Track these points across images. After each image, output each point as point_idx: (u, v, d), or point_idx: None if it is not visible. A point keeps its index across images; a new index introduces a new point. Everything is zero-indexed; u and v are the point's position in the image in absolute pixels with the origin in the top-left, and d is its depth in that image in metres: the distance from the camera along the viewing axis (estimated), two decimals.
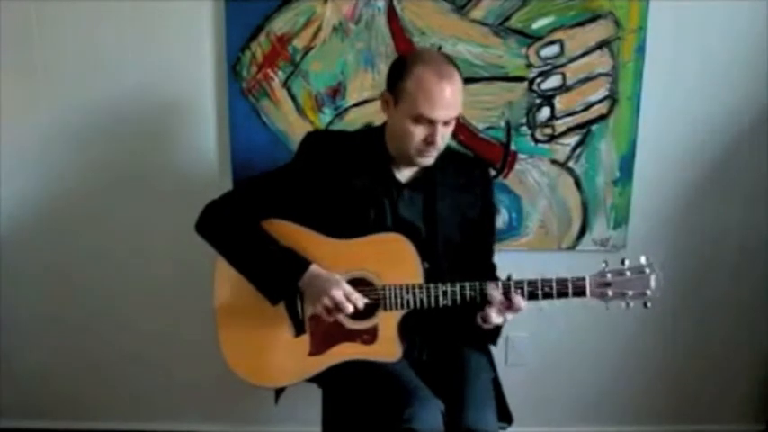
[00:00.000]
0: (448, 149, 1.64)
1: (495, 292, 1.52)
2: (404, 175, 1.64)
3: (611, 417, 2.26)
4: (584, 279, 1.53)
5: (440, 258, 1.62)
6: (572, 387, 2.24)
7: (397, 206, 1.62)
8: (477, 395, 1.56)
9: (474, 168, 1.73)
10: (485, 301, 1.53)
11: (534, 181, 2.05)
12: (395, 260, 1.57)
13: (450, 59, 1.56)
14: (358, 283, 1.55)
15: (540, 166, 2.04)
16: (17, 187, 2.08)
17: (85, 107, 2.01)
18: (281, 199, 1.62)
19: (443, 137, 1.54)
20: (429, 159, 1.57)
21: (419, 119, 1.50)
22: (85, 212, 2.09)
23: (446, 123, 1.53)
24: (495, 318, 1.53)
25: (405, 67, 1.53)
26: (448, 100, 1.49)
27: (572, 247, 2.09)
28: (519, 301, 1.51)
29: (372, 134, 1.65)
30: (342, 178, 1.60)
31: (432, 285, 1.55)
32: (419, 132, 1.52)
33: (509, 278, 1.55)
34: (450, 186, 1.65)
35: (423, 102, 1.48)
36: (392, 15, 1.93)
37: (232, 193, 1.71)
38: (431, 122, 1.50)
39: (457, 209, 1.66)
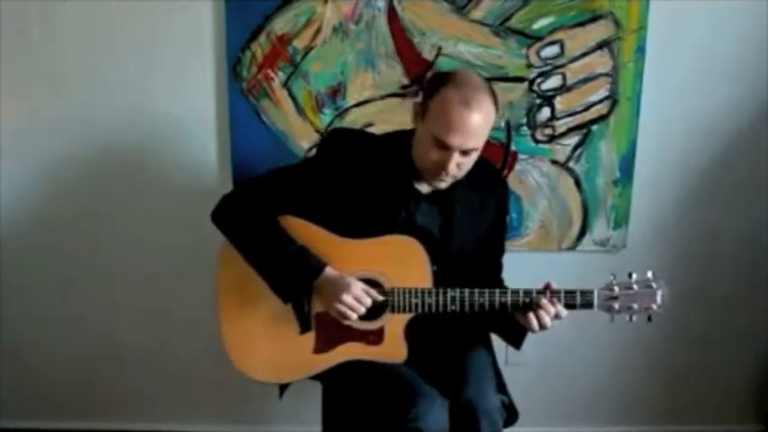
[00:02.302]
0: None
1: (544, 300, 1.52)
2: (424, 187, 1.60)
3: (611, 417, 2.26)
4: (592, 292, 1.53)
5: (450, 264, 1.61)
6: (572, 387, 2.24)
7: (413, 215, 1.59)
8: (477, 371, 1.58)
9: (494, 185, 1.70)
10: (493, 308, 1.53)
11: (534, 181, 2.05)
12: (405, 262, 1.56)
13: (485, 85, 1.49)
14: (367, 284, 1.55)
15: (540, 167, 2.04)
16: (17, 188, 2.07)
17: (85, 107, 2.01)
18: (299, 195, 1.60)
19: (461, 166, 1.49)
20: (441, 183, 1.54)
21: (436, 141, 1.46)
22: (85, 212, 2.09)
23: (465, 153, 1.47)
24: (548, 321, 1.53)
25: (437, 84, 1.48)
26: (468, 129, 1.43)
27: (572, 248, 2.09)
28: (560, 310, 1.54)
29: (399, 140, 1.59)
30: (362, 183, 1.56)
31: (440, 290, 1.53)
32: (434, 155, 1.48)
33: (518, 290, 1.54)
34: (469, 202, 1.62)
35: (441, 125, 1.44)
36: (392, 15, 1.93)
37: (250, 185, 1.65)
38: (446, 147, 1.45)
39: (473, 225, 1.64)
